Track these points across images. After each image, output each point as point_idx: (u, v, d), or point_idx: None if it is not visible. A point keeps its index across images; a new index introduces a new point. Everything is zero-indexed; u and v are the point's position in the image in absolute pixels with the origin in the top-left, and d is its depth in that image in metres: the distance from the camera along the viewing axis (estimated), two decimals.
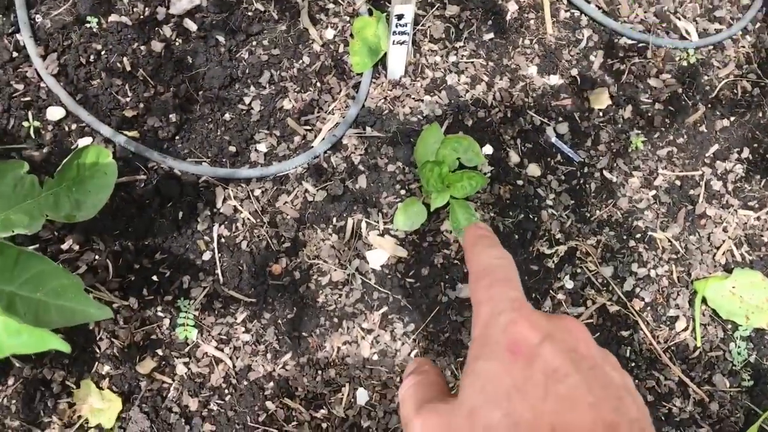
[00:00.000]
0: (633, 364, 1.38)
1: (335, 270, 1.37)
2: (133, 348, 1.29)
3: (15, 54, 1.41)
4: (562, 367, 0.36)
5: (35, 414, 1.24)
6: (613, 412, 0.35)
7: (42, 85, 1.40)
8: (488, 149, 1.48)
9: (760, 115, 1.60)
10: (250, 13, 1.52)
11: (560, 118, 1.54)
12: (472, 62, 1.55)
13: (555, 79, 1.57)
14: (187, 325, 1.31)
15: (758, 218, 1.52)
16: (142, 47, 1.46)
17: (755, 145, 1.58)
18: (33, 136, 1.36)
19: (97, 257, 1.31)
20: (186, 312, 1.32)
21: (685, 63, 1.62)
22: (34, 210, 1.06)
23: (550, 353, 0.37)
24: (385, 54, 1.48)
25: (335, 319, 1.35)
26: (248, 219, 1.39)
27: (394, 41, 1.40)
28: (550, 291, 1.41)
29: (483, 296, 0.42)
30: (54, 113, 1.38)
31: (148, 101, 1.43)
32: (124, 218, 1.35)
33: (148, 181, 1.38)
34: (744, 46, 1.67)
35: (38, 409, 1.24)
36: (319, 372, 1.32)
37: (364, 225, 1.41)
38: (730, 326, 1.43)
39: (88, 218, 1.10)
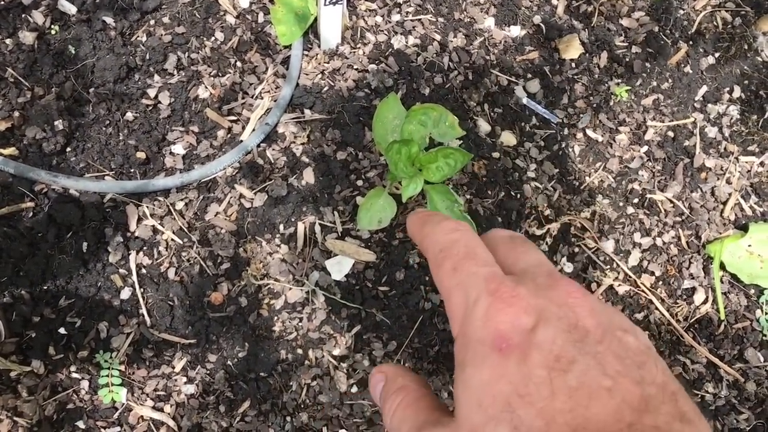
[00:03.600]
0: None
1: (290, 289, 1.14)
2: (46, 425, 1.03)
3: None
4: (565, 353, 0.31)
5: None
6: (638, 387, 0.30)
7: None
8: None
9: (746, 47, 1.45)
10: None
11: (529, 75, 1.34)
12: (419, 20, 1.34)
13: (516, 31, 1.37)
14: (112, 384, 1.06)
15: (762, 164, 1.37)
16: (8, 41, 1.18)
17: (746, 81, 1.43)
18: None
19: None
20: (108, 368, 1.07)
21: None
22: None
23: (547, 339, 0.31)
24: (316, 19, 1.25)
25: (299, 350, 1.12)
26: (172, 240, 1.14)
27: (325, 1, 1.17)
28: None
29: (450, 283, 0.36)
30: None
31: (25, 108, 1.15)
32: (11, 260, 1.08)
33: (38, 208, 1.11)
34: None
35: None
36: (288, 419, 1.09)
37: (318, 228, 1.18)
38: (753, 291, 1.28)
39: None
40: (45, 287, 1.09)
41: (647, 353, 0.32)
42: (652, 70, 1.40)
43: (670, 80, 1.40)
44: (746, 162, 1.37)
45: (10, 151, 1.13)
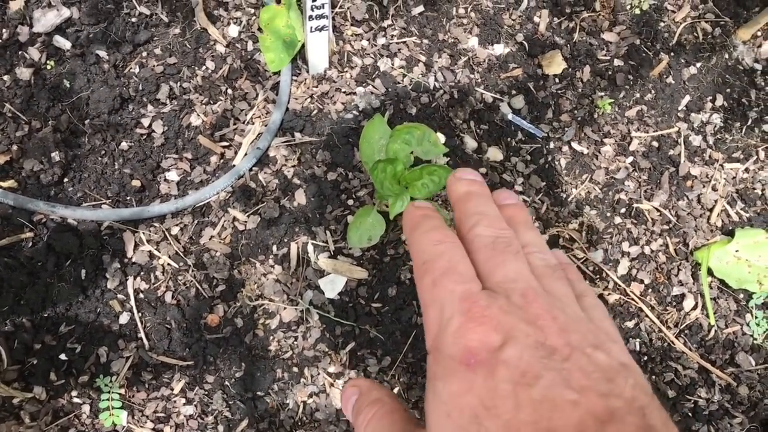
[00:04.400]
0: (645, 358, 1.24)
1: (285, 308, 1.17)
2: None
3: None
4: (531, 369, 0.32)
5: None
6: (603, 400, 0.31)
7: None
8: (440, 137, 1.30)
9: (727, 56, 1.49)
10: (133, 20, 1.30)
11: (514, 92, 1.38)
12: (404, 42, 1.38)
13: (500, 49, 1.41)
14: (113, 407, 1.09)
15: (747, 170, 1.40)
16: (5, 77, 1.23)
17: (728, 90, 1.46)
18: None
19: None
20: (109, 392, 1.10)
21: (637, 11, 1.49)
22: None
23: (514, 356, 0.33)
24: (303, 45, 1.30)
25: (295, 369, 1.15)
26: (169, 264, 1.17)
27: (311, 28, 1.21)
28: None
29: (428, 299, 0.37)
30: None
31: (23, 141, 1.19)
32: (12, 290, 1.11)
33: (37, 238, 1.15)
34: None
35: None
36: None
37: (311, 248, 1.21)
38: (742, 296, 1.30)
39: None
40: (45, 315, 1.12)
41: (618, 369, 0.33)
42: (634, 82, 1.43)
43: (653, 91, 1.44)
44: (731, 168, 1.40)
45: (9, 183, 1.17)
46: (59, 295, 1.12)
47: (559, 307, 0.37)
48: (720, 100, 1.45)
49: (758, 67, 1.48)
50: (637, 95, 1.43)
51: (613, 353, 0.34)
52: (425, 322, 0.38)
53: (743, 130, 1.43)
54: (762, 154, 1.42)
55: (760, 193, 1.38)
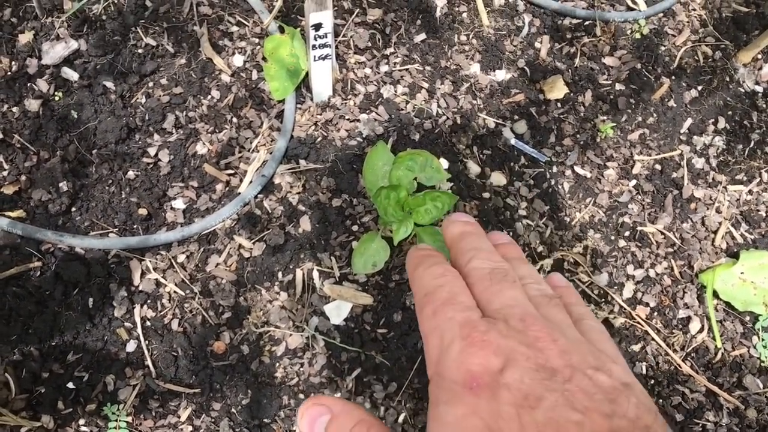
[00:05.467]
0: (652, 381, 1.24)
1: (291, 335, 1.18)
2: None
3: None
4: (533, 391, 0.33)
5: None
6: (607, 420, 0.32)
7: None
8: (443, 163, 1.32)
9: (728, 79, 1.51)
10: (140, 51, 1.33)
11: (516, 117, 1.40)
12: (407, 69, 1.41)
13: (502, 75, 1.44)
14: None
15: (750, 192, 1.41)
16: (14, 109, 1.26)
17: (729, 112, 1.48)
18: None
19: None
20: (116, 420, 1.11)
21: (638, 35, 1.52)
22: None
23: (515, 378, 0.34)
24: (307, 74, 1.32)
25: (301, 395, 1.15)
26: (175, 292, 1.19)
27: (315, 57, 1.24)
28: None
29: (428, 327, 0.39)
30: None
31: (31, 171, 1.22)
32: (20, 319, 1.13)
33: (45, 267, 1.17)
34: (695, 9, 1.59)
35: None
36: None
37: (316, 274, 1.23)
38: (748, 318, 1.30)
39: None
40: (53, 343, 1.13)
41: (621, 389, 0.34)
42: (636, 105, 1.45)
43: (654, 115, 1.45)
44: (735, 191, 1.41)
45: (18, 213, 1.19)
46: (67, 323, 1.14)
47: (558, 330, 0.38)
48: (722, 123, 1.47)
49: (759, 89, 1.51)
50: (639, 119, 1.45)
51: (614, 374, 0.35)
52: (426, 349, 0.39)
53: (746, 152, 1.45)
54: (765, 176, 1.43)
55: (764, 214, 1.39)
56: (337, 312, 1.21)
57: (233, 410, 1.14)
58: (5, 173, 1.21)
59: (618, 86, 1.46)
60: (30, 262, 1.17)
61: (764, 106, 1.49)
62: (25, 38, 1.30)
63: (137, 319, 1.17)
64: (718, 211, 1.39)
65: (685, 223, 1.37)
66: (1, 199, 1.19)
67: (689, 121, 1.46)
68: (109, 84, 1.30)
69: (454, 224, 0.49)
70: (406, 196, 1.10)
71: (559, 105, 1.43)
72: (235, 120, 1.32)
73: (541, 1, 1.50)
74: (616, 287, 1.30)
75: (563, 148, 1.39)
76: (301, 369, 1.17)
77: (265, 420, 1.14)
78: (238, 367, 1.16)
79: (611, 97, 1.45)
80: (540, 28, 1.50)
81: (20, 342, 1.12)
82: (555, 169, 1.38)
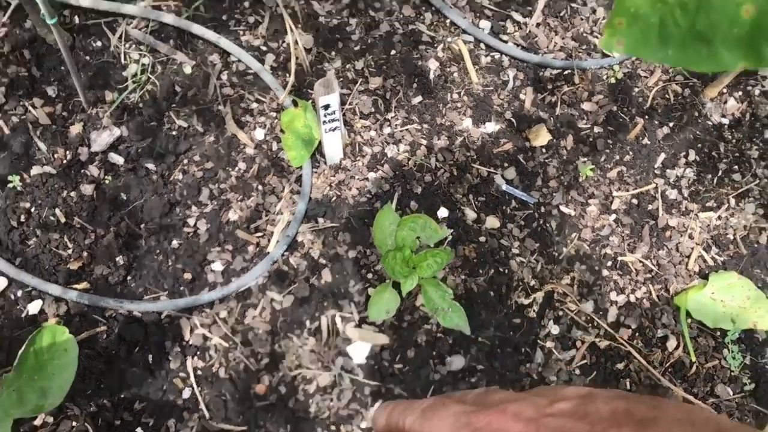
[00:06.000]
0: None
1: (320, 374, 1.39)
2: None
3: None
4: None
5: None
6: None
7: None
8: (443, 212, 1.52)
9: (696, 114, 1.68)
10: (174, 132, 1.54)
11: (506, 164, 1.59)
12: (407, 129, 1.60)
13: (491, 126, 1.63)
14: None
15: (719, 217, 1.59)
16: (72, 193, 1.47)
17: (699, 145, 1.66)
18: None
19: (74, 424, 1.31)
20: None
21: (613, 80, 1.70)
22: None
23: None
24: (320, 142, 1.52)
25: (332, 426, 1.36)
26: (220, 344, 1.40)
27: (326, 129, 1.44)
28: (538, 341, 1.45)
29: None
30: None
31: (91, 248, 1.43)
32: (93, 375, 1.35)
33: (110, 330, 1.38)
34: None
35: None
36: None
37: (339, 320, 1.43)
38: (719, 333, 1.49)
39: (56, 405, 1.10)
40: (122, 395, 1.35)
41: None
42: (614, 145, 1.64)
43: (630, 153, 1.64)
44: (705, 217, 1.59)
45: (83, 285, 1.41)
46: (132, 377, 1.35)
47: None
48: (692, 155, 1.64)
49: (725, 121, 1.68)
50: (617, 157, 1.63)
51: None
52: None
53: (715, 181, 1.62)
54: (732, 202, 1.61)
55: (732, 237, 1.57)
56: (359, 352, 1.41)
57: None
58: (70, 251, 1.43)
59: (596, 129, 1.64)
60: (97, 326, 1.38)
61: (730, 137, 1.66)
62: (75, 129, 1.52)
63: (190, 370, 1.38)
64: (690, 237, 1.57)
65: (661, 251, 1.55)
66: (68, 273, 1.41)
67: (662, 155, 1.64)
68: (150, 165, 1.51)
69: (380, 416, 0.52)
70: (410, 254, 1.31)
71: (543, 150, 1.61)
72: (260, 187, 1.53)
73: (522, 55, 1.69)
74: (601, 313, 1.49)
75: (549, 190, 1.58)
76: (331, 404, 1.37)
77: None
78: (278, 405, 1.37)
79: (590, 139, 1.63)
80: (524, 80, 1.68)
81: (95, 396, 1.34)
82: (542, 209, 1.56)
